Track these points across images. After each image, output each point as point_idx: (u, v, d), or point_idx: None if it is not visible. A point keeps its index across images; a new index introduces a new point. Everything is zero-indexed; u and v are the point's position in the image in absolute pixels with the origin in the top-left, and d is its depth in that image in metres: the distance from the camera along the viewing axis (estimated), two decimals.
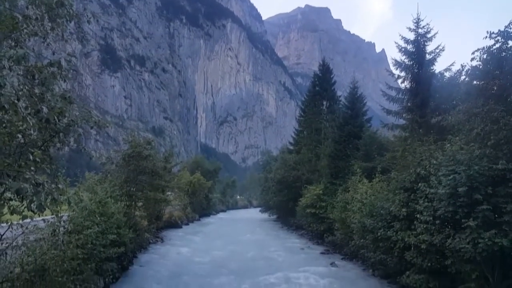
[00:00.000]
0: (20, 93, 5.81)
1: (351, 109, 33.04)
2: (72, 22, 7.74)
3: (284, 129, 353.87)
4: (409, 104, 22.95)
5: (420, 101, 22.13)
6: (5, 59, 5.23)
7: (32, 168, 6.22)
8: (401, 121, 24.02)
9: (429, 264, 12.94)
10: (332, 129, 36.39)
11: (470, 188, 11.32)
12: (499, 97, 12.20)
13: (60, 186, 6.94)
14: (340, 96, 43.89)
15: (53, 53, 7.08)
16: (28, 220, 9.20)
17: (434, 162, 14.04)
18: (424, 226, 13.03)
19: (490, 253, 10.70)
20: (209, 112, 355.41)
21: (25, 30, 6.83)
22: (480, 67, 13.32)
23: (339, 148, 30.96)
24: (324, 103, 43.78)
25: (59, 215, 11.49)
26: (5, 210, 6.98)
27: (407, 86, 23.41)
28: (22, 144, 6.37)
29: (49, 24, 7.10)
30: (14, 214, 6.87)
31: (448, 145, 13.90)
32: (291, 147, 54.22)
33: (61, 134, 7.50)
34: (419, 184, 13.93)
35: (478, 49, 12.72)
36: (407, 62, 23.15)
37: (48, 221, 10.96)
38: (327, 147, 34.45)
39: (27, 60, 5.88)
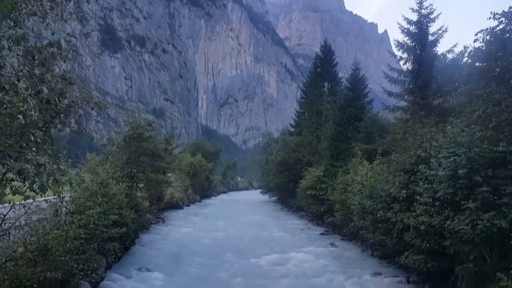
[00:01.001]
0: (20, 73, 5.79)
1: (353, 90, 32.88)
2: (71, 2, 7.65)
3: (285, 111, 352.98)
4: (410, 86, 22.83)
5: (422, 83, 22.01)
6: (5, 39, 5.20)
7: (34, 149, 6.24)
8: (403, 103, 23.93)
9: (427, 245, 13.07)
10: (333, 111, 36.29)
11: (470, 170, 11.34)
12: (501, 79, 12.11)
13: (61, 167, 6.97)
14: (341, 78, 43.60)
15: (53, 33, 7.00)
16: (31, 200, 9.31)
17: (435, 144, 14.04)
18: (424, 207, 13.11)
19: (489, 234, 10.79)
20: (209, 93, 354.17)
21: (24, 10, 6.76)
22: (483, 48, 13.18)
23: (340, 130, 30.94)
24: (326, 84, 43.56)
25: (61, 195, 11.60)
26: (7, 190, 7.04)
27: (409, 67, 23.24)
28: (23, 125, 6.37)
29: (48, 3, 7.02)
30: (17, 195, 6.93)
31: (449, 127, 13.87)
32: (292, 129, 54.19)
33: (61, 115, 7.52)
34: (419, 166, 13.95)
35: (481, 30, 12.58)
36: (409, 44, 22.93)
37: (50, 202, 11.04)
38: (328, 129, 34.44)
39: (26, 41, 5.82)
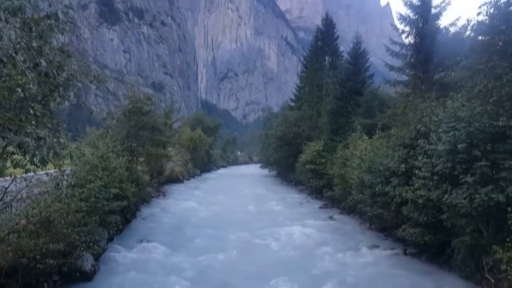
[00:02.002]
0: (17, 46, 5.73)
1: (354, 64, 32.56)
2: None
3: (286, 85, 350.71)
4: (412, 60, 22.59)
5: (424, 57, 21.79)
6: (1, 11, 5.11)
7: (33, 122, 6.24)
8: (404, 78, 23.74)
9: (425, 218, 13.24)
10: (333, 85, 36.04)
11: (469, 144, 11.38)
12: (503, 53, 11.99)
13: (61, 140, 6.99)
14: (342, 52, 43.09)
15: (50, 5, 6.87)
16: (31, 174, 9.38)
17: (435, 118, 14.03)
18: (422, 181, 13.22)
19: (486, 208, 10.92)
20: (209, 67, 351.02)
21: None
22: (486, 22, 13.00)
23: (340, 104, 30.81)
24: (327, 58, 43.08)
25: (62, 169, 11.68)
26: (8, 163, 7.08)
27: (411, 41, 22.94)
28: (22, 98, 6.35)
29: None
30: (17, 168, 6.98)
31: (450, 101, 13.82)
32: (292, 104, 53.95)
33: (60, 88, 7.49)
34: (419, 141, 13.99)
35: (485, 3, 12.37)
36: (412, 16, 22.56)
37: (51, 175, 11.12)
38: (328, 104, 34.30)
39: (23, 12, 5.73)
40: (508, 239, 10.17)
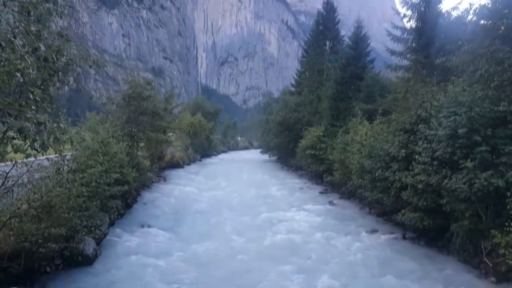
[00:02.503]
0: (16, 30, 5.69)
1: (355, 49, 32.30)
2: None
3: (286, 70, 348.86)
4: (413, 44, 22.42)
5: (425, 41, 21.61)
6: None
7: (33, 107, 6.23)
8: (405, 62, 23.59)
9: (424, 203, 13.31)
10: (334, 70, 35.83)
11: (470, 129, 11.38)
12: (505, 38, 11.90)
13: (62, 125, 6.99)
14: (343, 36, 42.75)
15: None
16: (32, 159, 9.40)
17: (436, 103, 14.00)
18: (422, 167, 13.25)
19: (485, 193, 10.98)
20: (209, 52, 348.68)
21: None
22: (489, 6, 12.87)
23: (341, 89, 30.67)
24: (327, 43, 42.73)
25: (63, 154, 11.70)
26: (9, 148, 7.10)
27: (412, 25, 22.72)
28: (21, 83, 6.33)
29: None
30: (18, 153, 6.99)
31: (451, 86, 13.77)
32: (293, 89, 53.73)
33: (60, 73, 7.46)
34: (419, 126, 13.97)
35: None
36: (414, 0, 22.32)
37: (52, 160, 11.13)
38: (329, 89, 34.14)
39: None
40: (506, 224, 10.24)
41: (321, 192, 27.33)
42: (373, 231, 16.28)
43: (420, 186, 13.27)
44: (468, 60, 13.49)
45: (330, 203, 22.84)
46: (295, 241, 14.85)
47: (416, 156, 13.67)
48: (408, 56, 22.91)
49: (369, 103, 25.82)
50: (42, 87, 7.19)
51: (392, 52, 23.92)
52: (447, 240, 13.57)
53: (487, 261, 11.37)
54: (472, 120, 11.41)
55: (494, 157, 11.45)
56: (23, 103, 6.14)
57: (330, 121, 30.98)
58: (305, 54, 48.36)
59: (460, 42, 17.80)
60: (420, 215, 13.63)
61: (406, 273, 11.54)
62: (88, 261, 11.32)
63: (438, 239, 14.05)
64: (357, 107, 25.23)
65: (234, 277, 11.14)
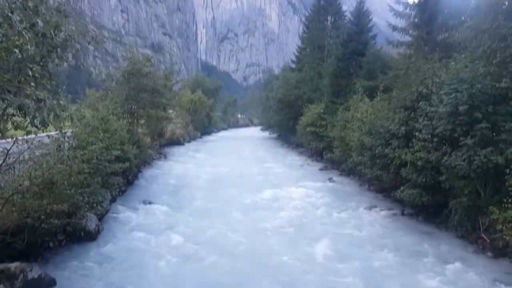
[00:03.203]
0: (13, 5, 5.62)
1: (356, 25, 31.86)
2: None
3: (287, 46, 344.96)
4: (416, 20, 22.11)
5: (428, 17, 21.31)
6: None
7: (32, 84, 6.21)
8: (407, 38, 23.33)
9: (423, 180, 13.39)
10: (335, 46, 35.42)
11: (470, 106, 11.35)
12: (509, 13, 11.73)
13: (61, 102, 6.98)
14: (345, 11, 42.09)
15: None
16: (33, 135, 9.41)
17: (437, 80, 13.91)
18: (422, 144, 13.28)
19: (484, 170, 11.05)
20: (209, 27, 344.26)
21: None
22: None
23: (342, 66, 30.41)
24: (329, 18, 42.11)
25: (63, 131, 11.70)
26: (9, 125, 7.10)
27: (415, 0, 22.39)
28: (20, 59, 6.28)
29: None
30: (18, 130, 6.99)
31: (453, 63, 13.65)
32: (293, 65, 53.25)
33: (58, 49, 7.40)
34: (420, 103, 13.93)
35: None
36: None
37: (53, 137, 11.16)
38: (330, 65, 33.84)
39: None
40: (505, 200, 10.32)
41: (321, 169, 27.46)
42: (372, 207, 16.44)
43: (419, 163, 13.33)
44: (471, 36, 13.35)
45: (330, 179, 22.98)
46: (294, 216, 15.01)
47: (416, 133, 13.68)
48: (410, 32, 22.64)
49: (370, 80, 25.65)
50: (41, 63, 7.14)
51: (394, 28, 23.63)
52: (445, 216, 13.71)
53: (485, 237, 11.53)
54: (473, 97, 11.37)
55: (494, 134, 11.46)
56: (22, 79, 6.11)
57: (331, 98, 30.84)
58: (306, 30, 47.74)
59: (463, 18, 17.59)
60: (419, 192, 13.74)
61: (404, 248, 11.71)
62: (90, 236, 11.48)
63: (437, 215, 14.20)
64: (358, 84, 25.08)
65: (235, 251, 11.30)
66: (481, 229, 11.79)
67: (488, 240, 11.38)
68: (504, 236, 10.53)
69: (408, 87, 15.88)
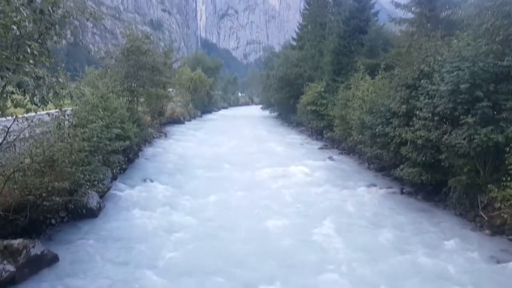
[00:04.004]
0: None
1: (358, 1, 31.30)
2: None
3: (288, 24, 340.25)
4: None
5: None
6: None
7: (31, 61, 6.16)
8: (410, 16, 23.01)
9: (423, 159, 13.42)
10: (337, 23, 34.93)
11: (472, 85, 11.28)
12: None
13: (61, 80, 6.95)
14: None
15: None
16: (33, 113, 9.41)
17: (439, 58, 13.80)
18: (423, 122, 13.25)
19: (484, 148, 11.06)
20: (209, 4, 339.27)
21: None
22: None
23: (344, 43, 30.06)
24: None
25: (63, 109, 11.68)
26: (9, 103, 7.09)
27: None
28: (18, 36, 6.21)
29: None
30: (18, 108, 6.99)
31: (455, 41, 13.52)
32: (294, 43, 52.69)
33: (56, 26, 7.31)
34: (422, 81, 13.84)
35: None
36: None
37: (52, 115, 11.14)
38: (331, 43, 33.45)
39: None
40: (504, 179, 10.38)
41: (320, 148, 27.51)
42: (371, 185, 16.53)
43: (419, 141, 13.34)
44: (474, 13, 13.16)
45: (330, 158, 23.04)
46: (294, 195, 15.11)
47: (417, 112, 13.64)
48: (412, 9, 22.30)
49: (372, 58, 25.44)
50: (39, 40, 7.07)
51: (397, 5, 23.29)
52: (444, 194, 13.82)
53: (483, 215, 11.63)
54: (475, 75, 11.29)
55: (495, 112, 11.43)
56: (21, 56, 6.06)
57: (332, 76, 30.64)
58: (307, 7, 47.01)
59: None
60: (419, 170, 13.79)
61: (402, 226, 11.83)
62: (92, 213, 11.60)
63: (435, 193, 14.30)
64: (360, 62, 24.87)
65: (235, 228, 11.42)
66: (480, 207, 11.88)
67: (486, 218, 11.48)
68: (502, 214, 10.62)
69: (410, 65, 15.75)
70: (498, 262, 9.40)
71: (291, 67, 42.73)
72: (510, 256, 9.68)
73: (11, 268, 7.56)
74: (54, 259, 8.70)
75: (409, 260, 9.49)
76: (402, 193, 15.49)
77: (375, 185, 16.55)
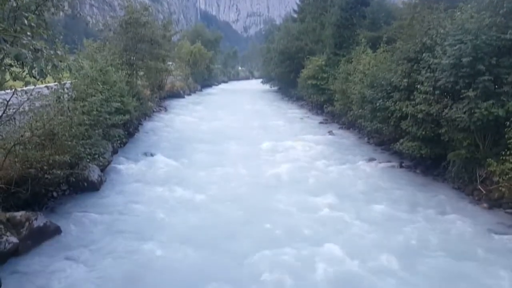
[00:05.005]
0: None
1: None
2: None
3: None
4: None
5: None
6: None
7: (28, 33, 6.08)
8: None
9: (423, 133, 13.43)
10: None
11: (474, 58, 11.18)
12: None
13: (59, 52, 6.88)
14: None
15: None
16: (31, 86, 9.35)
17: (442, 31, 13.62)
18: (423, 96, 13.20)
19: (484, 122, 11.06)
20: None
21: None
22: None
23: (345, 16, 29.56)
24: None
25: (62, 82, 11.60)
26: (7, 76, 7.04)
27: None
28: (15, 8, 6.12)
29: None
30: (17, 81, 6.93)
31: (458, 13, 13.32)
32: (295, 15, 51.90)
33: None
34: (424, 55, 13.71)
35: None
36: None
37: (52, 88, 11.08)
38: (333, 15, 32.88)
39: None
40: (503, 153, 10.43)
41: (321, 122, 27.49)
42: (371, 159, 16.60)
43: (420, 115, 13.33)
44: None
45: (330, 133, 23.06)
46: (294, 168, 15.20)
47: (418, 86, 13.57)
48: None
49: (374, 31, 25.12)
50: (36, 12, 6.96)
51: None
52: (443, 168, 13.90)
53: (481, 188, 11.75)
54: (477, 48, 11.17)
55: (496, 86, 11.37)
56: (18, 28, 5.98)
57: (333, 49, 30.28)
58: None
59: None
60: (418, 144, 13.83)
61: (401, 199, 11.96)
62: (93, 186, 11.70)
63: (434, 167, 14.38)
64: (361, 35, 24.56)
65: (235, 200, 11.54)
66: (478, 181, 11.98)
67: (484, 192, 11.60)
68: (500, 188, 10.71)
69: (412, 38, 15.56)
70: (495, 234, 9.56)
71: (292, 40, 42.23)
72: (506, 229, 9.85)
73: (14, 239, 7.68)
74: (57, 230, 8.84)
75: (406, 232, 9.62)
76: (401, 167, 15.58)
77: (374, 159, 16.62)
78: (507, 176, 10.27)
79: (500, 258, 8.38)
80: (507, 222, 10.25)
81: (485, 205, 11.27)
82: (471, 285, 7.42)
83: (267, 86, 61.42)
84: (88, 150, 11.33)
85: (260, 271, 7.62)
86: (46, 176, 9.59)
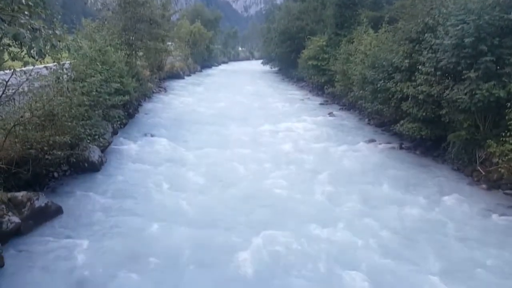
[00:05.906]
0: None
1: None
2: None
3: None
4: None
5: None
6: None
7: (26, 12, 6.01)
8: None
9: (424, 114, 13.42)
10: None
11: (476, 38, 11.09)
12: None
13: (57, 32, 6.80)
14: None
15: None
16: (31, 67, 9.30)
17: (444, 11, 13.47)
18: (425, 77, 13.14)
19: (485, 103, 11.03)
20: None
21: None
22: None
23: None
24: None
25: (61, 62, 11.52)
26: (6, 56, 6.99)
27: None
28: None
29: None
30: (16, 61, 6.88)
31: None
32: None
33: None
34: (426, 35, 13.59)
35: None
36: None
37: (51, 69, 11.01)
38: None
39: None
40: (503, 134, 10.43)
41: (321, 104, 27.40)
42: (371, 140, 16.61)
43: (421, 96, 13.29)
44: None
45: (330, 114, 23.01)
46: (294, 150, 15.23)
47: (420, 67, 13.49)
48: None
49: (376, 11, 24.88)
50: None
51: None
52: (443, 149, 13.93)
53: (480, 170, 11.80)
54: (479, 28, 11.06)
55: (498, 67, 11.30)
56: (16, 7, 5.91)
57: (334, 30, 29.97)
58: None
59: None
60: (419, 126, 13.83)
61: (401, 180, 12.01)
62: (94, 167, 11.73)
63: (434, 148, 14.41)
64: (363, 15, 24.30)
65: (235, 182, 11.61)
66: (477, 162, 12.03)
67: (483, 173, 11.65)
68: (499, 169, 10.76)
69: (414, 18, 15.39)
70: (494, 215, 9.64)
71: (293, 20, 41.76)
72: (505, 209, 9.94)
73: (16, 219, 7.74)
74: (58, 210, 8.90)
75: (406, 212, 9.71)
76: (401, 148, 15.60)
77: (374, 140, 16.63)
78: (506, 157, 10.31)
79: (498, 238, 8.49)
80: (506, 203, 10.33)
81: (484, 186, 11.34)
82: (468, 264, 7.52)
83: (267, 67, 60.95)
84: (88, 131, 11.33)
85: (259, 248, 7.72)
86: (46, 156, 9.61)
